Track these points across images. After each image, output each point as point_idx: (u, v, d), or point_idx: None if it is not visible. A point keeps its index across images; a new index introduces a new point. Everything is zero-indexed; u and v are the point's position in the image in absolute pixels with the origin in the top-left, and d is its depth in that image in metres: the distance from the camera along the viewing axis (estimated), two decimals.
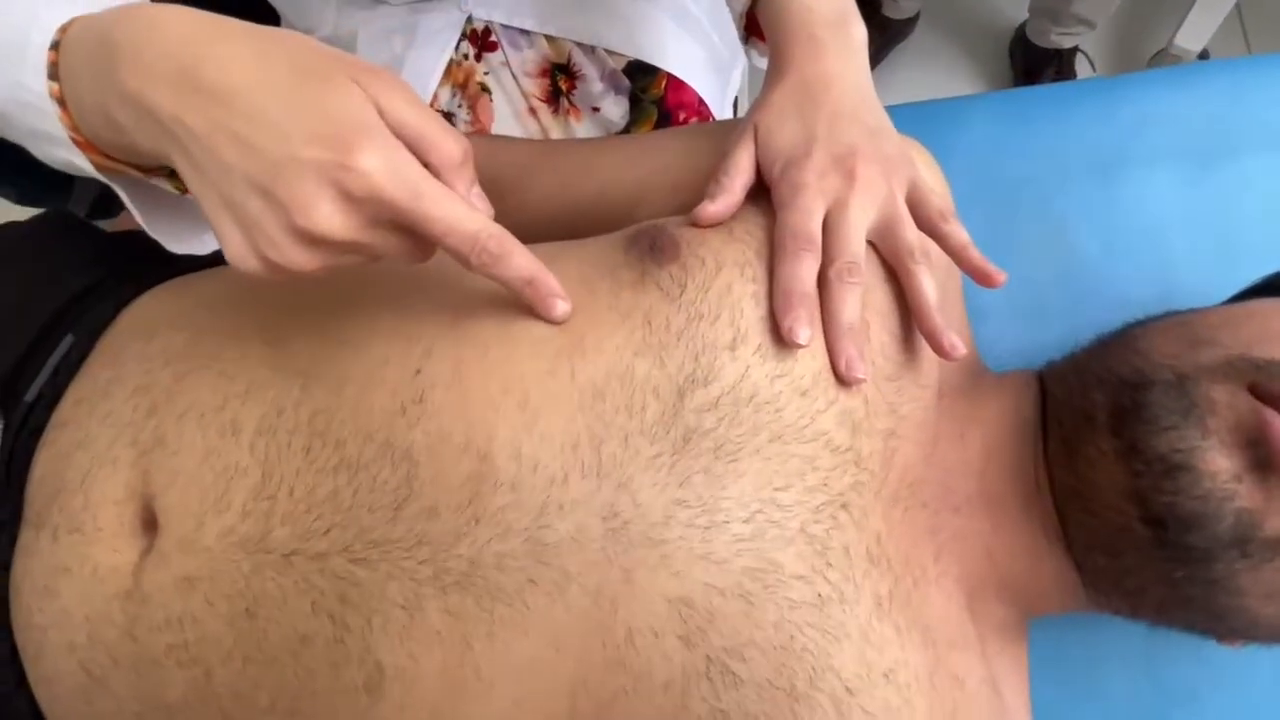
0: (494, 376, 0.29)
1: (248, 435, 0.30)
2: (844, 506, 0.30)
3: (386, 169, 0.24)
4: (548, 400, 0.29)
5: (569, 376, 0.29)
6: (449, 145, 0.26)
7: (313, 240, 0.24)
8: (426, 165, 0.26)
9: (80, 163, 0.28)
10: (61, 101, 0.27)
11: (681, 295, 0.30)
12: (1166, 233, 0.48)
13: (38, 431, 0.36)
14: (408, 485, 0.28)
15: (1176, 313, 0.36)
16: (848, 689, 0.27)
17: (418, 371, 0.30)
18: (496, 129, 0.55)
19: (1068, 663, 0.44)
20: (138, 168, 0.29)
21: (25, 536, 0.34)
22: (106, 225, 0.49)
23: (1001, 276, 0.32)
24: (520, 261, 0.27)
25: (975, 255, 0.33)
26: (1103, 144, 0.50)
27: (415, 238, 0.26)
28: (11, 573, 0.34)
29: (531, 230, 0.41)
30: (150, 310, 0.38)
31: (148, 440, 0.32)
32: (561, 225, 0.41)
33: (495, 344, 0.30)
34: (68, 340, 0.38)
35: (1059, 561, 0.33)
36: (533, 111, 0.55)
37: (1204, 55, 1.07)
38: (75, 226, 0.47)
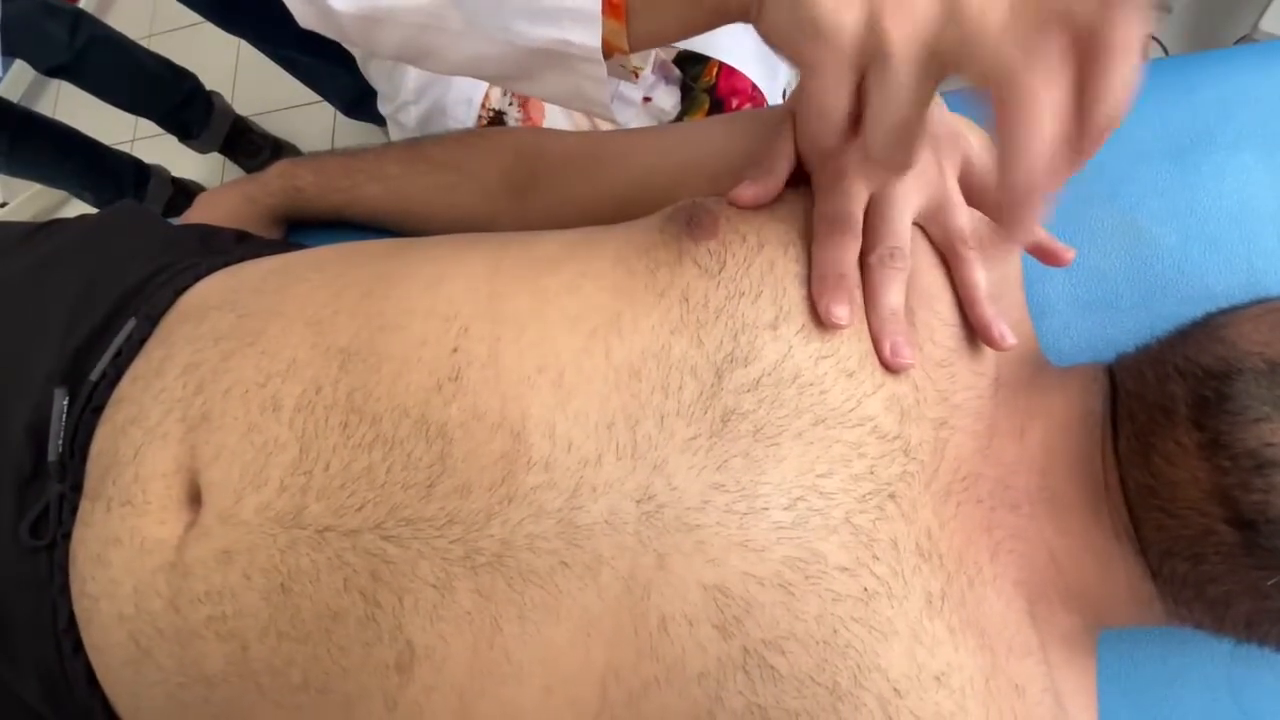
0: (530, 355, 0.29)
1: (287, 411, 0.31)
2: (891, 497, 0.28)
3: None
4: (583, 379, 0.28)
5: (604, 355, 0.28)
6: None
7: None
8: None
9: (580, 37, 0.28)
10: None
11: (721, 272, 0.29)
12: (1253, 220, 0.45)
13: (100, 409, 0.37)
14: (441, 462, 0.28)
15: (1267, 299, 0.33)
16: (896, 690, 0.26)
17: (454, 349, 0.29)
18: (547, 125, 0.55)
19: (1140, 679, 0.40)
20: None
21: (83, 508, 0.35)
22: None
23: (1070, 254, 0.30)
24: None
25: (1039, 232, 0.31)
26: (1180, 126, 0.46)
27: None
28: (70, 543, 0.35)
29: (573, 221, 0.41)
30: (203, 295, 0.40)
31: (195, 416, 0.33)
32: (603, 215, 0.41)
33: (532, 322, 0.29)
34: (130, 323, 0.39)
35: (1132, 568, 0.31)
36: None
37: None
38: (143, 217, 0.49)
